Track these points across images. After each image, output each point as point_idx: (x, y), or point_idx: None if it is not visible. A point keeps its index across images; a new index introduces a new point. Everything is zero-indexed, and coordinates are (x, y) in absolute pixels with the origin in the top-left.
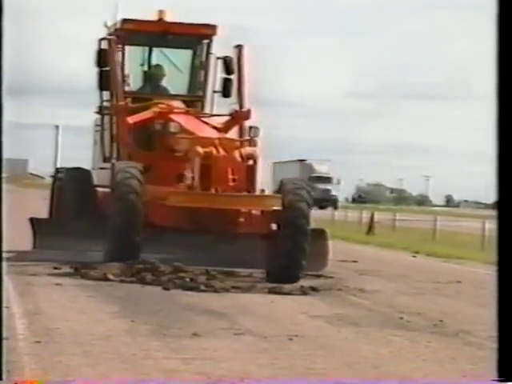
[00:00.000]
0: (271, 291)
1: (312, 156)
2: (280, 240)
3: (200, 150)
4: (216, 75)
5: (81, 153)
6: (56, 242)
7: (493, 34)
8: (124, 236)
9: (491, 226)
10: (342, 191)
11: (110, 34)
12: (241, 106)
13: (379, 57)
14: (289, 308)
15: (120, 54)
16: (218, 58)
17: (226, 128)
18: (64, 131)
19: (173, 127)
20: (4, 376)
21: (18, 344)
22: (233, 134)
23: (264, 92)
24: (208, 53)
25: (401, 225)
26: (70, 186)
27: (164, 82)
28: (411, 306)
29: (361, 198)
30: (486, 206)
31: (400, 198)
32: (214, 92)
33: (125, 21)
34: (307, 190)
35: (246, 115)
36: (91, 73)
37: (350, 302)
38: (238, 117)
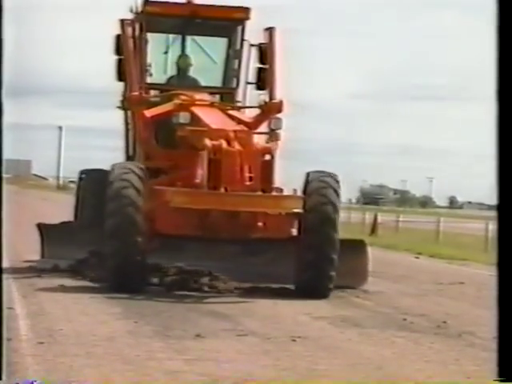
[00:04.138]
0: (274, 292)
1: (313, 157)
2: (303, 249)
3: (208, 142)
4: (249, 64)
5: (84, 154)
6: (66, 250)
7: (495, 34)
8: (123, 237)
9: (495, 228)
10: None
11: (134, 20)
12: (271, 97)
13: (383, 58)
14: (292, 309)
15: (141, 40)
16: (252, 45)
17: (256, 122)
18: (67, 132)
19: (182, 118)
20: (4, 376)
21: (22, 345)
22: (264, 128)
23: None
24: (242, 39)
25: (404, 226)
26: (89, 188)
27: (193, 73)
28: (414, 308)
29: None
30: (490, 208)
31: (403, 199)
32: (248, 83)
33: (147, 3)
34: (334, 188)
35: (278, 107)
36: (95, 73)
37: (353, 304)
38: (268, 109)
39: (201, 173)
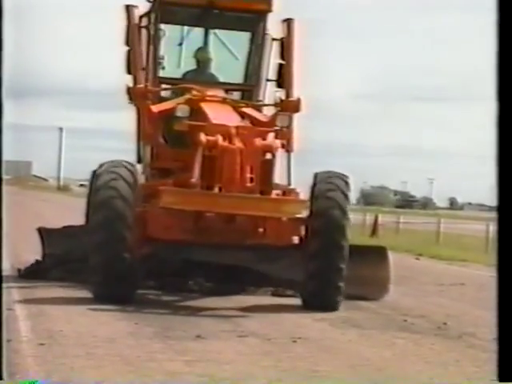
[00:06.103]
0: (275, 294)
1: (314, 158)
2: (308, 257)
3: (203, 137)
4: (270, 60)
5: (84, 155)
6: (69, 255)
7: (495, 34)
8: (108, 254)
9: (495, 229)
10: None
11: (150, 11)
12: (288, 95)
13: (383, 59)
14: (292, 310)
15: (156, 30)
16: (274, 39)
17: (272, 121)
18: (68, 133)
19: (180, 111)
20: (5, 377)
21: (22, 346)
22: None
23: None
24: (263, 33)
25: (404, 227)
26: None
27: (212, 69)
28: (415, 309)
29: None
30: (490, 209)
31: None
32: (268, 80)
33: None
34: (343, 191)
35: (295, 106)
36: (96, 74)
37: (354, 305)
38: (284, 108)
39: (197, 171)
